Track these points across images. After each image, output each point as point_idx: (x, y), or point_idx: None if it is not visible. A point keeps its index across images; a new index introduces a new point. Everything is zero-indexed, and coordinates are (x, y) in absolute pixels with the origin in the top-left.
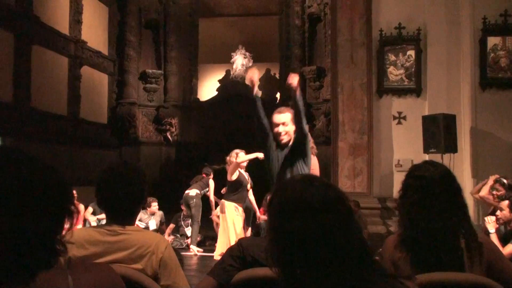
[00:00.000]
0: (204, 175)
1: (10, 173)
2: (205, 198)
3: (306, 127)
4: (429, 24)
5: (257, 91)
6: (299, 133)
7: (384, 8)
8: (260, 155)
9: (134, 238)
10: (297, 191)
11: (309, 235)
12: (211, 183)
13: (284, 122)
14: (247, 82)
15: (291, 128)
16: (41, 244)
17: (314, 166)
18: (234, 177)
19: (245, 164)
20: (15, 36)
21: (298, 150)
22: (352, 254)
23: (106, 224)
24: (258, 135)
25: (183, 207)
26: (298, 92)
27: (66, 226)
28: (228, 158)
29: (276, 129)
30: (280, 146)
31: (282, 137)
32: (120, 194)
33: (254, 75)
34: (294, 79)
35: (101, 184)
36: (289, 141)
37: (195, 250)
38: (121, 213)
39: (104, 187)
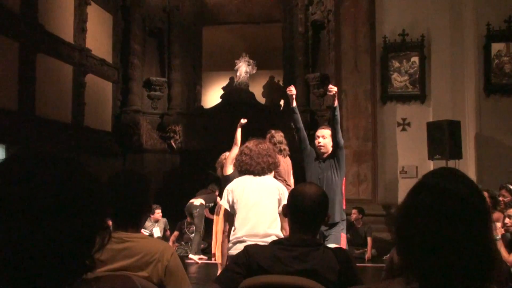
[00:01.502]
0: (210, 190)
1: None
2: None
3: (341, 139)
4: (433, 31)
5: (295, 104)
6: (335, 145)
7: (387, 15)
8: (243, 121)
9: (139, 246)
10: (437, 185)
11: (450, 235)
12: (219, 200)
13: (324, 135)
14: (288, 93)
15: (329, 142)
16: (73, 258)
17: (287, 167)
18: (230, 170)
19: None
20: (20, 44)
21: (333, 161)
22: (479, 254)
23: (112, 231)
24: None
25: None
26: (336, 103)
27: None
28: (219, 161)
29: (316, 141)
30: (319, 156)
31: (320, 148)
32: (125, 201)
33: (293, 89)
34: (332, 90)
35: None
36: (326, 152)
37: (195, 258)
38: (127, 220)
39: (109, 195)
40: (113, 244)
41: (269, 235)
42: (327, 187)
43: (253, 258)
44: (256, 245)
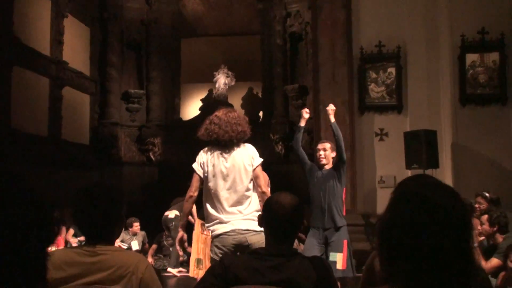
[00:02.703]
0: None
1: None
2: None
3: (344, 155)
4: (408, 42)
5: (303, 124)
6: (339, 159)
7: (364, 26)
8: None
9: (113, 259)
10: (418, 193)
11: (430, 240)
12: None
13: (325, 148)
14: (304, 113)
15: (329, 154)
16: (26, 267)
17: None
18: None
19: None
20: None
21: (335, 173)
22: (462, 263)
23: (85, 244)
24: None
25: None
26: (333, 120)
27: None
28: None
29: (318, 153)
30: (320, 168)
31: (321, 159)
32: (96, 214)
33: (306, 111)
34: (330, 109)
35: (77, 205)
36: (327, 164)
37: (173, 272)
38: (99, 233)
39: (80, 208)
40: (86, 257)
41: (248, 214)
42: (330, 195)
43: (230, 269)
44: (232, 255)
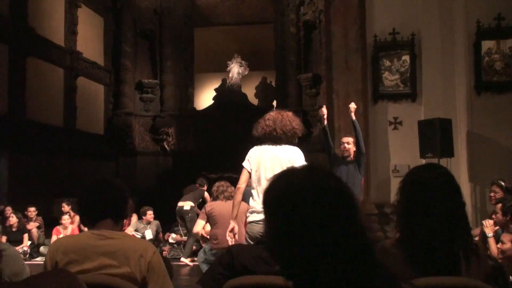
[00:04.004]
0: (197, 185)
1: None
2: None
3: (363, 148)
4: (423, 29)
5: (326, 123)
6: (358, 150)
7: (377, 14)
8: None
9: (122, 243)
10: (300, 179)
11: (308, 225)
12: (207, 195)
13: (348, 142)
14: (320, 113)
15: (351, 147)
16: None
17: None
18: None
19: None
20: (10, 47)
21: (355, 163)
22: (352, 250)
23: (95, 229)
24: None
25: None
26: (354, 118)
27: None
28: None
29: (342, 146)
30: (343, 158)
31: (345, 152)
32: (103, 199)
33: (324, 110)
34: (352, 107)
35: (82, 199)
36: (349, 156)
37: (186, 261)
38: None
39: (84, 202)
40: (96, 241)
41: None
42: (351, 183)
43: (237, 259)
44: (240, 245)
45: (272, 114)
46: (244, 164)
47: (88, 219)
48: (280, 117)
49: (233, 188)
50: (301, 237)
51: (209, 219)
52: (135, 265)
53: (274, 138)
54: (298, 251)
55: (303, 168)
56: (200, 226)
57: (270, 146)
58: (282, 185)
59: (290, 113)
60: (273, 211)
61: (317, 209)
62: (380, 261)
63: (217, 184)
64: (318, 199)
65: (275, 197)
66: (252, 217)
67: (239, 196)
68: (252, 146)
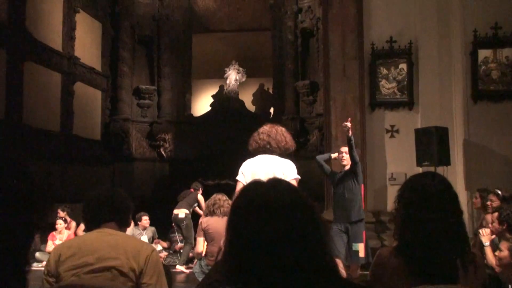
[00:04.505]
0: (192, 190)
1: None
2: (194, 215)
3: (357, 157)
4: (420, 38)
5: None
6: (352, 162)
7: (375, 22)
8: None
9: (123, 240)
10: (260, 192)
11: (266, 237)
12: (201, 198)
13: (346, 152)
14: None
15: (349, 157)
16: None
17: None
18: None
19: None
20: (7, 52)
21: (352, 173)
22: (310, 264)
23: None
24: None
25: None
26: (350, 133)
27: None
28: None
29: (340, 155)
30: (340, 172)
31: (343, 160)
32: (105, 201)
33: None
34: (347, 124)
35: (88, 204)
36: (346, 164)
37: (182, 268)
38: (110, 218)
39: (91, 206)
40: (99, 236)
41: None
42: (349, 192)
43: None
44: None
45: (266, 128)
46: (238, 178)
47: (93, 223)
48: (274, 131)
49: (230, 201)
50: (257, 250)
51: (205, 235)
52: (133, 256)
53: (268, 151)
54: (253, 265)
55: (267, 182)
56: (201, 245)
57: (264, 157)
58: (244, 198)
59: (283, 128)
60: (234, 222)
61: (273, 223)
62: (341, 276)
63: (213, 197)
64: (275, 213)
65: (235, 208)
66: None
67: None
68: (247, 155)
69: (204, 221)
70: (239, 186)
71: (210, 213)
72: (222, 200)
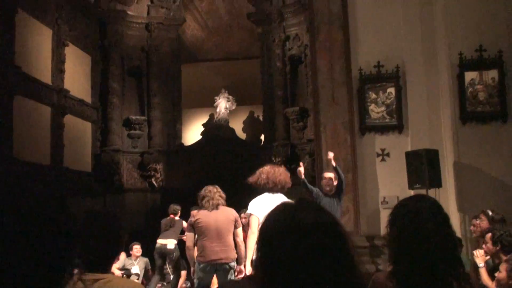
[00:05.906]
0: (172, 215)
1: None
2: (180, 242)
3: (342, 175)
4: (407, 62)
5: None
6: (339, 189)
7: (362, 47)
8: None
9: (112, 285)
10: (289, 213)
11: (296, 258)
12: (185, 225)
13: (331, 177)
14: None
15: (333, 182)
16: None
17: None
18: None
19: None
20: None
21: (336, 197)
22: (341, 283)
23: (80, 273)
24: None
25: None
26: (335, 164)
27: None
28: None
29: (325, 180)
30: (325, 194)
31: (328, 185)
32: (92, 242)
33: (301, 169)
34: (330, 156)
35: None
36: (331, 189)
37: None
38: (95, 261)
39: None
40: (86, 285)
41: None
42: (333, 213)
43: None
44: (232, 281)
45: (266, 169)
46: (251, 211)
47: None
48: (272, 171)
49: (222, 193)
50: (290, 271)
51: (195, 229)
52: None
53: (268, 189)
54: (285, 284)
55: (296, 203)
56: (191, 239)
57: (269, 195)
58: (274, 218)
59: (282, 168)
60: (265, 244)
61: (305, 243)
62: None
63: (205, 188)
64: (307, 233)
65: (267, 230)
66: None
67: (253, 241)
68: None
69: (194, 214)
70: (253, 219)
71: (200, 206)
72: (213, 192)
